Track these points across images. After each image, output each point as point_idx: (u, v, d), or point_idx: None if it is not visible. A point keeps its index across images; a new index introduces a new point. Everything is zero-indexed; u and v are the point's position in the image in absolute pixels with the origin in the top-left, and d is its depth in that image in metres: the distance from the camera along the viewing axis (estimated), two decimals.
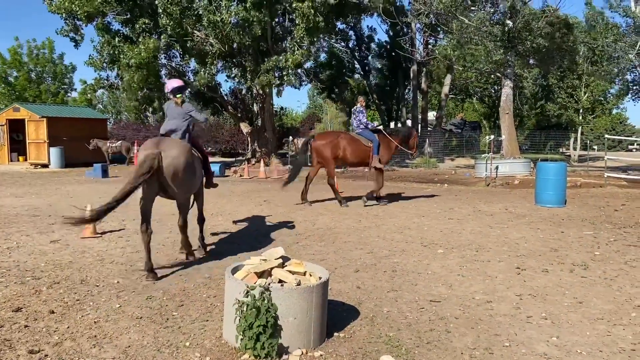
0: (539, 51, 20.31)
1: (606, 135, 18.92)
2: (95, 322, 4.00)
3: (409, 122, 34.76)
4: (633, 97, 24.48)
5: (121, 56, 20.18)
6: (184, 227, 5.99)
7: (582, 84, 32.02)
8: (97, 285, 4.93)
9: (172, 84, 6.28)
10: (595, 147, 26.33)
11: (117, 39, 21.19)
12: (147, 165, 5.21)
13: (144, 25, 20.26)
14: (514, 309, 4.43)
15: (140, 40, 20.14)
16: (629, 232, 7.87)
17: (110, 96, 48.38)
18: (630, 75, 23.47)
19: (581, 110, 33.93)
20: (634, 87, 23.52)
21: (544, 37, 19.07)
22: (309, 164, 11.23)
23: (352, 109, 11.42)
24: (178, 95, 6.14)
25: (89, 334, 3.77)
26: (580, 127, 34.05)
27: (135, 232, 7.58)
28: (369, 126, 10.82)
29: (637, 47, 20.20)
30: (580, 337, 3.83)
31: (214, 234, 7.63)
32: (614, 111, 48.58)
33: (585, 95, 32.97)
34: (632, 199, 11.86)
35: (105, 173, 17.89)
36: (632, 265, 5.84)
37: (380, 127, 11.07)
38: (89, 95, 41.39)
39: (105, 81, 23.32)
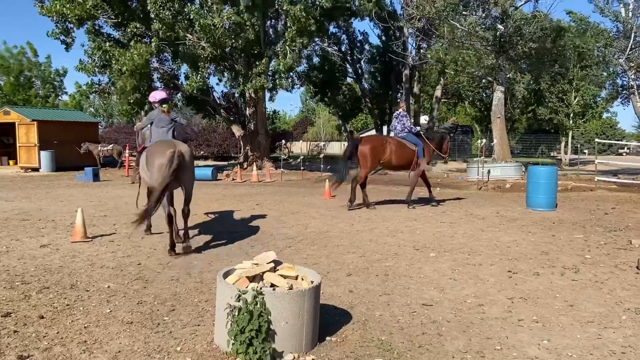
0: (530, 56, 20.48)
1: (596, 140, 19.12)
2: (85, 327, 3.96)
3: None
4: (622, 102, 24.73)
5: (113, 61, 20.10)
6: (188, 214, 6.84)
7: (572, 88, 32.30)
8: (88, 290, 4.89)
9: (158, 95, 7.12)
10: (586, 151, 26.53)
11: (108, 43, 21.11)
12: (176, 162, 6.05)
13: (135, 30, 20.20)
14: (506, 312, 4.45)
15: (131, 44, 20.08)
16: (619, 235, 7.93)
17: (102, 100, 48.15)
18: (620, 79, 23.73)
19: (572, 115, 34.23)
20: (624, 92, 23.75)
21: (535, 41, 19.24)
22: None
23: (394, 114, 11.65)
24: (164, 106, 6.97)
25: (79, 339, 3.73)
26: (571, 131, 34.35)
27: (127, 237, 7.55)
28: (413, 130, 11.00)
29: (627, 52, 20.43)
30: (571, 340, 3.85)
31: (204, 236, 7.59)
32: (604, 115, 49.05)
33: (576, 100, 33.26)
34: (622, 203, 11.96)
35: (96, 177, 17.77)
36: (623, 269, 5.88)
37: (420, 130, 11.17)
38: (79, 99, 41.18)
39: (97, 86, 23.20)
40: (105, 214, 9.66)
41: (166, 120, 6.90)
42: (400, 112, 11.12)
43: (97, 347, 3.61)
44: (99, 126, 32.67)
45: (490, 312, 4.44)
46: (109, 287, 5.01)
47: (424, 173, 11.10)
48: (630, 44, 20.46)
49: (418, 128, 11.15)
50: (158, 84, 23.52)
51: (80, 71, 21.46)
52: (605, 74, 24.05)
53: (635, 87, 21.24)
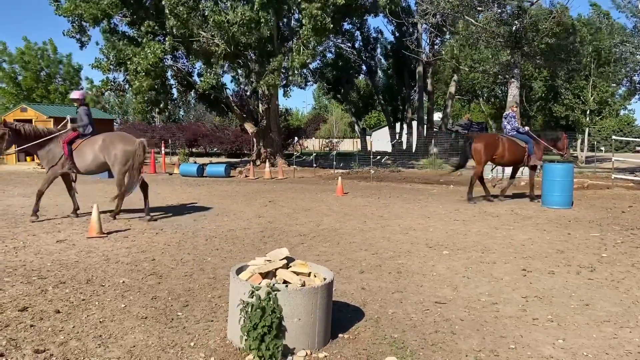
0: (545, 52, 20.22)
1: (613, 137, 18.81)
2: (100, 321, 4.01)
3: (414, 123, 34.71)
4: None
5: (128, 61, 20.27)
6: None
7: (589, 85, 31.85)
8: (103, 285, 4.95)
9: (82, 93, 9.07)
10: (603, 148, 26.14)
11: (122, 42, 21.29)
12: (144, 152, 8.43)
13: (149, 28, 20.35)
14: (520, 311, 4.41)
15: (144, 42, 20.23)
16: (636, 234, 7.81)
17: (118, 97, 48.64)
18: (638, 76, 23.33)
19: (588, 112, 33.76)
20: None
21: (551, 37, 18.99)
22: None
23: (504, 114, 12.37)
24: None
25: (95, 333, 3.78)
26: (587, 129, 33.86)
27: (141, 232, 7.62)
28: (521, 130, 11.53)
29: None
30: (587, 339, 3.80)
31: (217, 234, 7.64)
32: (622, 112, 48.26)
33: (592, 97, 32.79)
34: None
35: (110, 173, 17.95)
36: (639, 268, 5.80)
37: (528, 129, 11.78)
38: (95, 97, 41.63)
39: (112, 83, 23.43)
40: (120, 210, 9.74)
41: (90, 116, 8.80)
42: (509, 113, 11.87)
43: (112, 341, 3.65)
44: (114, 123, 32.97)
45: (504, 311, 4.40)
46: (123, 282, 5.07)
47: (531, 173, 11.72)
48: None
49: (527, 128, 11.73)
50: (172, 82, 23.69)
51: (95, 69, 21.72)
52: (622, 71, 23.66)
53: None
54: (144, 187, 8.99)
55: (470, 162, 11.85)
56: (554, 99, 38.19)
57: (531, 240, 7.29)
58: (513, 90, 20.52)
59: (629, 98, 27.82)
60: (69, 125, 8.92)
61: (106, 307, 4.33)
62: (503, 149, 11.07)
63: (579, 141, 37.21)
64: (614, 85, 30.22)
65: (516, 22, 19.30)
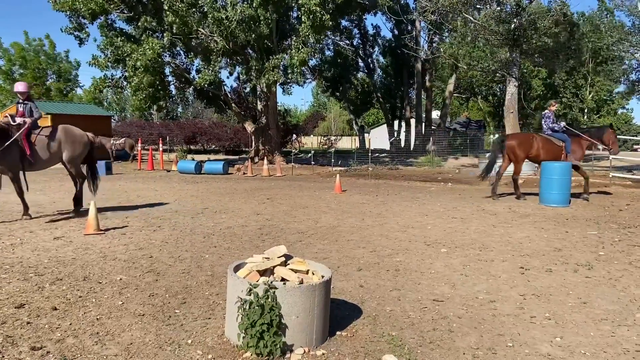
0: (544, 50, 20.23)
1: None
2: (97, 319, 4.00)
3: (412, 121, 34.71)
4: (638, 97, 24.36)
5: (127, 58, 20.20)
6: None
7: (587, 83, 31.91)
8: (100, 282, 4.94)
9: (27, 86, 8.70)
10: (600, 146, 26.07)
11: (120, 38, 21.23)
12: (91, 145, 9.19)
13: (146, 24, 20.28)
14: (518, 308, 4.41)
15: (143, 38, 20.16)
16: (633, 232, 7.82)
17: (116, 94, 48.57)
18: (635, 74, 23.36)
19: (586, 110, 33.80)
20: (639, 86, 23.39)
21: (550, 36, 18.99)
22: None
23: (542, 113, 12.46)
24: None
25: (92, 330, 3.77)
26: (585, 127, 33.94)
27: (139, 230, 7.60)
28: (556, 128, 11.50)
29: None
30: (584, 337, 3.80)
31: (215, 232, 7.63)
32: (619, 111, 48.36)
33: (590, 95, 32.83)
34: (637, 199, 11.79)
35: (109, 170, 17.95)
36: (637, 266, 5.80)
37: (563, 125, 11.66)
38: (94, 94, 41.57)
39: (110, 80, 23.37)
40: (117, 207, 9.74)
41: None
42: (545, 113, 11.86)
43: (109, 338, 3.64)
44: (112, 120, 32.92)
45: (502, 309, 4.40)
46: (121, 279, 5.06)
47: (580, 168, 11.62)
48: None
49: (562, 124, 11.62)
50: (170, 78, 23.63)
51: (92, 66, 21.65)
52: (620, 69, 23.69)
53: None
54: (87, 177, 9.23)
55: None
56: (552, 97, 38.24)
57: (529, 238, 7.30)
58: (511, 89, 20.53)
59: (627, 97, 27.87)
60: (19, 120, 8.12)
61: (103, 304, 4.32)
62: (538, 147, 11.18)
63: None
64: (612, 83, 30.27)
65: (515, 20, 19.30)
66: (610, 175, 15.53)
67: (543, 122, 11.82)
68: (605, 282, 5.18)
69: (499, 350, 3.58)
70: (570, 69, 28.39)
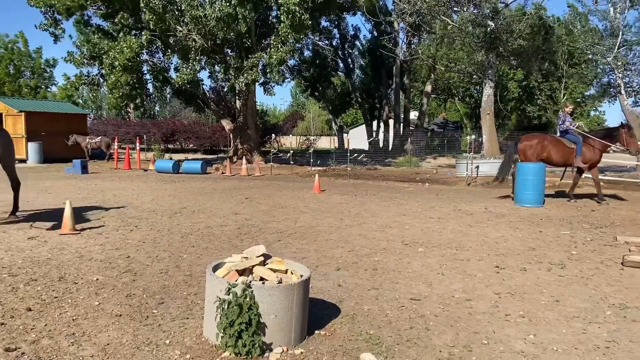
0: (520, 53, 20.61)
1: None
2: (73, 319, 3.95)
3: (391, 121, 34.97)
4: (610, 100, 25.00)
5: (103, 55, 19.88)
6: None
7: (561, 86, 32.60)
8: (76, 283, 4.87)
9: None
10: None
11: (96, 35, 20.88)
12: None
13: (123, 21, 19.98)
14: (493, 307, 4.50)
15: (120, 36, 19.87)
16: (605, 232, 8.04)
17: (92, 92, 47.72)
18: (607, 77, 23.96)
19: (560, 112, 34.56)
20: (611, 90, 24.00)
21: (525, 38, 19.36)
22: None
23: (558, 114, 12.39)
24: None
25: (67, 331, 3.72)
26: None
27: (115, 229, 7.51)
28: (569, 130, 11.36)
29: (615, 51, 20.63)
30: (557, 334, 3.91)
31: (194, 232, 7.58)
32: (592, 113, 49.55)
33: (564, 97, 33.54)
34: (608, 199, 12.09)
35: (84, 169, 17.62)
36: (608, 265, 5.97)
37: (572, 129, 11.46)
38: (69, 91, 40.75)
39: (86, 77, 22.95)
40: (93, 207, 9.59)
41: None
42: (560, 115, 11.92)
43: (85, 339, 3.60)
44: (88, 118, 32.36)
45: (477, 307, 4.48)
46: (97, 279, 4.99)
47: (594, 173, 11.50)
48: (618, 43, 20.66)
49: (573, 127, 11.43)
50: (148, 77, 23.34)
51: (68, 62, 21.26)
52: (593, 72, 24.29)
53: (622, 85, 21.45)
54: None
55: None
56: (528, 99, 38.96)
57: (504, 238, 7.44)
58: (488, 90, 20.87)
59: (599, 99, 28.57)
60: None
61: (79, 305, 4.26)
62: (548, 149, 11.19)
63: None
64: (585, 86, 30.99)
65: (491, 22, 19.61)
66: (583, 176, 15.86)
67: (559, 124, 11.79)
68: (577, 281, 5.32)
69: (475, 347, 3.65)
70: (546, 71, 28.95)
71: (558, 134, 11.72)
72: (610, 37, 21.39)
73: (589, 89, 32.19)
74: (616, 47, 20.61)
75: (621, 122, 12.27)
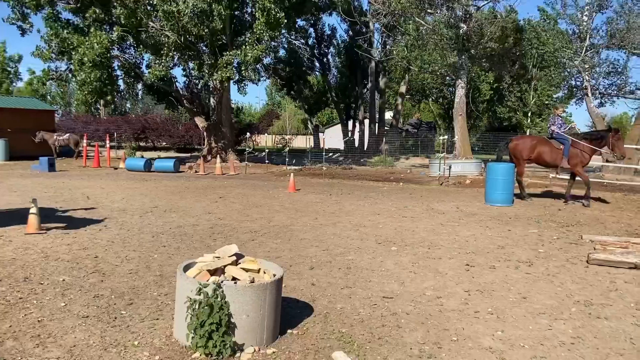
0: (491, 55, 20.98)
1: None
2: (39, 321, 3.85)
3: (366, 121, 35.17)
4: (577, 102, 25.67)
5: (72, 51, 19.40)
6: None
7: (530, 88, 33.31)
8: (42, 283, 4.74)
9: None
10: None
11: (66, 30, 20.37)
12: None
13: (94, 15, 19.55)
14: (463, 304, 4.57)
15: (91, 31, 19.43)
16: (571, 230, 8.25)
17: (60, 87, 46.55)
18: (574, 80, 24.60)
19: (529, 114, 35.31)
20: (577, 92, 24.65)
21: (496, 41, 19.72)
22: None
23: (549, 117, 12.44)
24: None
25: (32, 333, 3.62)
26: (528, 130, 35.41)
27: (83, 229, 7.34)
28: (560, 131, 11.37)
29: (582, 54, 21.20)
30: (524, 331, 3.99)
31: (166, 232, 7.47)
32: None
33: (534, 100, 34.29)
34: (575, 199, 12.42)
35: (52, 167, 17.17)
36: (573, 263, 6.13)
37: (560, 131, 11.41)
38: (35, 86, 39.66)
39: (54, 73, 22.36)
40: (61, 206, 9.37)
41: None
42: (550, 117, 12.07)
43: (51, 341, 3.51)
44: (55, 114, 31.56)
45: (447, 305, 4.55)
46: (63, 280, 4.88)
47: (582, 174, 11.32)
48: (585, 46, 21.24)
49: (554, 128, 11.48)
50: (119, 73, 22.91)
51: (36, 57, 20.71)
52: (561, 75, 24.91)
53: (589, 87, 22.06)
54: None
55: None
56: (499, 101, 39.67)
57: (474, 237, 7.56)
58: (460, 92, 21.17)
59: (566, 101, 29.30)
60: None
61: (45, 306, 4.16)
62: (538, 150, 11.34)
63: None
64: (553, 88, 31.75)
65: (463, 25, 19.91)
66: (551, 177, 16.26)
67: (548, 126, 11.97)
68: (543, 278, 5.44)
69: (444, 344, 3.70)
70: (516, 74, 29.54)
71: (549, 136, 11.79)
72: (578, 41, 21.97)
73: (558, 92, 33.00)
74: (583, 51, 21.18)
75: (610, 126, 12.42)
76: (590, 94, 22.01)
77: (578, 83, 24.04)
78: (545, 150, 11.41)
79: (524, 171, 11.99)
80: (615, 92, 23.02)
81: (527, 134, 35.81)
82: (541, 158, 11.49)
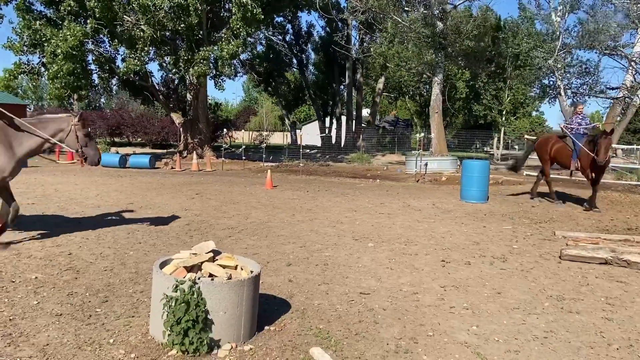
0: (467, 53, 21.25)
1: (526, 136, 20.12)
2: (10, 319, 3.76)
3: (343, 118, 35.24)
4: (550, 101, 26.21)
5: (45, 43, 18.92)
6: None
7: (505, 86, 33.88)
8: (13, 281, 4.63)
9: None
10: (517, 146, 27.92)
11: (39, 22, 19.85)
12: None
13: (69, 8, 19.11)
14: (438, 300, 4.63)
15: (65, 24, 18.99)
16: (544, 227, 8.44)
17: (32, 81, 45.36)
18: (548, 79, 25.12)
19: (504, 112, 35.91)
20: (551, 91, 25.17)
21: (472, 40, 19.98)
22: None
23: (571, 117, 11.78)
24: None
25: (4, 332, 3.54)
26: (503, 128, 36.02)
27: (57, 225, 7.20)
28: (577, 131, 10.65)
29: (555, 54, 21.62)
30: (498, 325, 4.07)
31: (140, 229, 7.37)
32: (534, 113, 51.74)
33: (508, 98, 34.88)
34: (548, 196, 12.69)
35: (23, 162, 16.72)
36: (547, 258, 6.27)
37: (572, 130, 10.77)
38: (7, 80, 38.56)
39: (26, 66, 21.77)
40: (33, 202, 9.15)
41: None
42: (572, 117, 11.19)
43: (23, 339, 3.44)
44: (27, 109, 30.76)
45: (424, 300, 4.60)
46: (36, 278, 4.77)
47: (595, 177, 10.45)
48: (558, 46, 21.67)
49: (570, 127, 10.80)
50: (93, 67, 22.45)
51: (7, 49, 20.14)
52: (535, 74, 25.39)
53: (562, 87, 22.53)
54: None
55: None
56: (475, 99, 40.22)
57: (450, 233, 7.67)
58: (436, 89, 21.40)
59: (540, 100, 29.92)
60: None
61: (17, 304, 4.06)
62: (554, 150, 10.99)
63: (495, 139, 39.52)
64: (527, 87, 32.35)
65: (439, 23, 20.10)
66: (524, 174, 16.58)
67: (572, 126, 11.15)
68: (517, 274, 5.55)
69: (420, 339, 3.75)
70: (492, 72, 30.00)
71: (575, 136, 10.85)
72: (551, 41, 22.42)
73: (531, 90, 33.65)
74: (556, 50, 21.62)
75: (604, 130, 11.95)
76: (563, 93, 22.49)
77: (551, 82, 24.56)
78: (559, 150, 10.90)
79: (549, 172, 11.43)
80: (587, 91, 23.56)
81: (502, 132, 36.44)
82: (557, 158, 11.07)
